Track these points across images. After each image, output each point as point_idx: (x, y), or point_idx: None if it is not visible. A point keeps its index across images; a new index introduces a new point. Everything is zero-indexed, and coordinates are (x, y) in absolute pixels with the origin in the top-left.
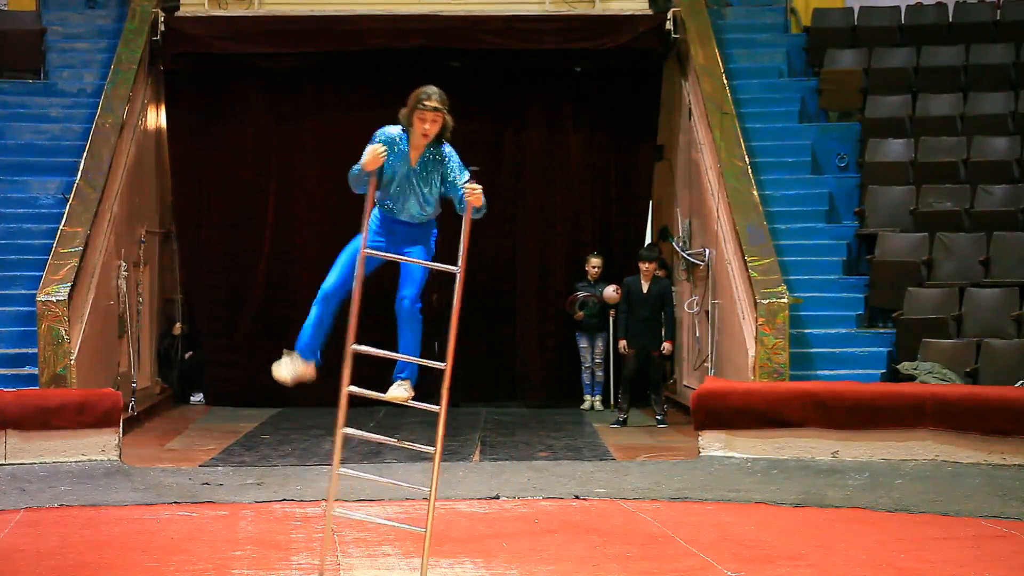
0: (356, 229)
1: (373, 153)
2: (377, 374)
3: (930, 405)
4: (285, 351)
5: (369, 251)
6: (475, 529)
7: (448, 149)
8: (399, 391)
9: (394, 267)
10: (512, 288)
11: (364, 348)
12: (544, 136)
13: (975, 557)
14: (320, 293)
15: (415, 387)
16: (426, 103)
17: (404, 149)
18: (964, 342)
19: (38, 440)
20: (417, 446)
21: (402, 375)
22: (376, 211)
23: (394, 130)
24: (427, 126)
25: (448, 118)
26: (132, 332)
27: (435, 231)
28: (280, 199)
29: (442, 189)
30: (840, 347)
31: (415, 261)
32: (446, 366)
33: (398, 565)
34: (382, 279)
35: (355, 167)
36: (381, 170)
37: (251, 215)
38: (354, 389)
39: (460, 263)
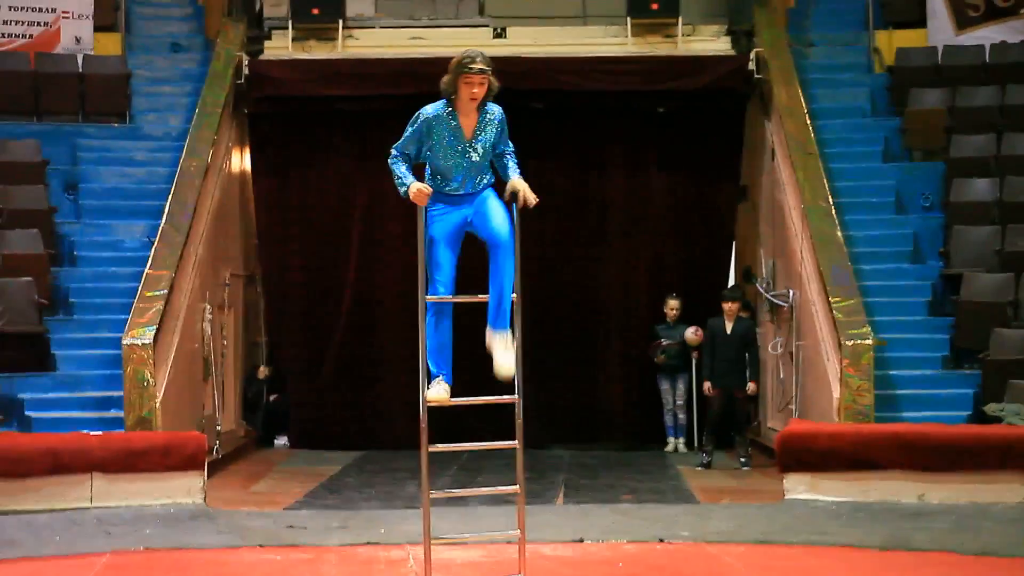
0: None
1: (419, 194)
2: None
3: (1017, 447)
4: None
5: (435, 298)
6: (560, 572)
7: (500, 112)
8: (506, 360)
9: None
10: (595, 329)
11: (440, 398)
12: (626, 177)
13: None
14: (430, 306)
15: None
16: (471, 66)
17: (454, 123)
18: None
19: (123, 483)
20: (501, 489)
21: (502, 324)
22: (431, 201)
23: (434, 108)
24: (475, 90)
25: (493, 80)
26: (216, 375)
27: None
28: (363, 242)
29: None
30: (925, 389)
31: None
32: (517, 400)
33: None
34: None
35: (401, 181)
36: (421, 152)
37: (335, 258)
38: (438, 447)
39: (514, 292)
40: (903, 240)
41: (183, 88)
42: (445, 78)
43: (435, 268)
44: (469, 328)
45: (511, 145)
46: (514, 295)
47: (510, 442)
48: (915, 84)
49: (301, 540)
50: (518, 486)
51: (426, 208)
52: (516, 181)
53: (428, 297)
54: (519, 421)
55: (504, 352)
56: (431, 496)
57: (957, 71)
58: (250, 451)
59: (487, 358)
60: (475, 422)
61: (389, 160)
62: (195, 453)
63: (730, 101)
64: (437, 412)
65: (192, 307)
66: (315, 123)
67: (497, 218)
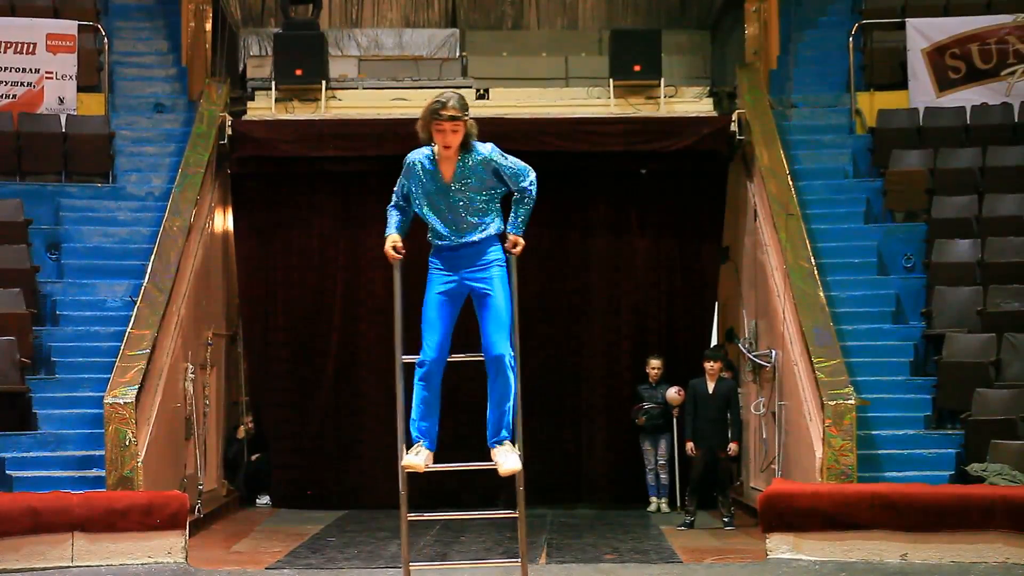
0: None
1: (389, 252)
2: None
3: (1000, 507)
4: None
5: (410, 359)
6: None
7: (491, 151)
8: (510, 461)
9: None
10: (577, 389)
11: (415, 466)
12: (609, 238)
13: None
14: (420, 367)
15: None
16: (441, 112)
17: (433, 168)
18: None
19: (105, 542)
20: (500, 561)
21: (502, 436)
22: (431, 257)
23: (419, 152)
24: (448, 138)
25: (470, 123)
26: (199, 434)
27: (502, 255)
28: (346, 301)
29: (502, 188)
30: (908, 448)
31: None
32: (519, 469)
33: None
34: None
35: (389, 222)
36: (411, 198)
37: (317, 317)
38: (421, 515)
39: (515, 348)
40: (885, 301)
41: (166, 148)
42: (419, 123)
43: (427, 327)
44: (448, 386)
45: (526, 183)
46: (513, 352)
47: (509, 511)
48: (897, 146)
49: None
50: (520, 559)
51: (429, 262)
52: (514, 238)
53: (403, 358)
54: (521, 489)
55: (506, 455)
56: (411, 567)
57: (938, 133)
58: (232, 510)
59: (466, 417)
60: (456, 485)
61: (388, 206)
62: (177, 512)
63: (712, 162)
64: (417, 475)
65: (174, 366)
66: (298, 183)
67: (493, 323)
